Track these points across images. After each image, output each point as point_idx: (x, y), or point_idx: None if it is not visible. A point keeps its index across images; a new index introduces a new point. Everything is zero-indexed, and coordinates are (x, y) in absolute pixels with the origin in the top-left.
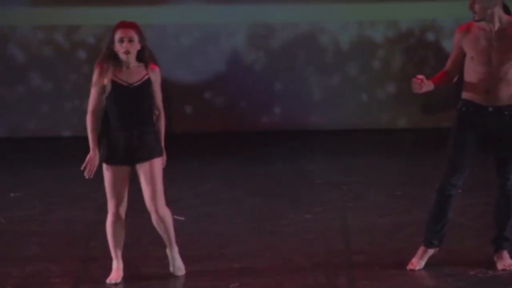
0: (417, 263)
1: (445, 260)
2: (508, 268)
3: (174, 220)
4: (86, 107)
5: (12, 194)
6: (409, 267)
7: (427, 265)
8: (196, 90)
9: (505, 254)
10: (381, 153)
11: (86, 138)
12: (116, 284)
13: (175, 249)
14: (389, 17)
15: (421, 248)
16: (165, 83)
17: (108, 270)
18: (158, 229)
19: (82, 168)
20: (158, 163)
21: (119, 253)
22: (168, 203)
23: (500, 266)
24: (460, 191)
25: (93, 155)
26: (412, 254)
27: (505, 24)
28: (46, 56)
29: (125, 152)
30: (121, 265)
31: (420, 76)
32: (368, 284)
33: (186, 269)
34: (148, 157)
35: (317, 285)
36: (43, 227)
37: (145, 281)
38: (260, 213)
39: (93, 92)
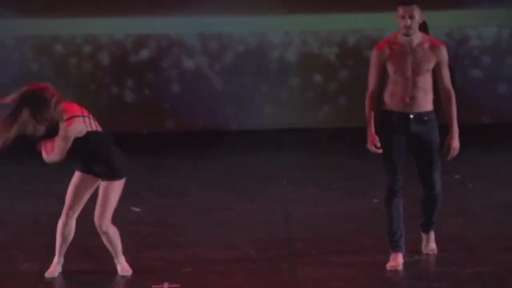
0: (395, 265)
1: (378, 246)
2: (432, 253)
3: (131, 211)
4: None
5: None
6: (389, 268)
7: (365, 253)
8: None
9: (432, 236)
10: (319, 150)
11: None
12: (53, 278)
13: (121, 258)
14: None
15: (392, 254)
16: None
17: (70, 256)
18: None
19: None
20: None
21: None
22: (126, 196)
23: (425, 250)
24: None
25: None
26: (346, 241)
27: (421, 39)
28: None
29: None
30: (62, 261)
31: (374, 148)
32: (306, 267)
33: (141, 255)
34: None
35: (261, 269)
36: (11, 218)
37: (105, 273)
38: (209, 205)
39: None
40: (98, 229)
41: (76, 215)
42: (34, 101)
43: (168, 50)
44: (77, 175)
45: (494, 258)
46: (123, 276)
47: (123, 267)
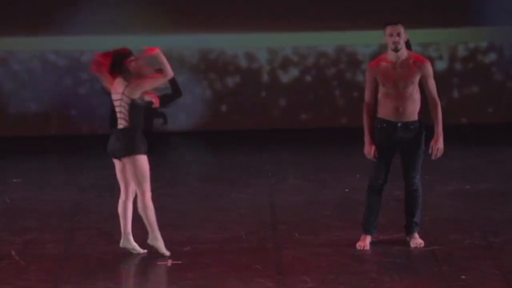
0: (364, 244)
1: (349, 229)
2: (419, 246)
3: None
4: None
5: (14, 180)
6: (358, 247)
7: (338, 235)
8: None
9: (416, 235)
10: (300, 148)
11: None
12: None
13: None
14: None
15: (363, 236)
16: None
17: (91, 238)
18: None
19: None
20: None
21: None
22: None
23: (412, 244)
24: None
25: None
26: (322, 224)
27: (406, 56)
28: None
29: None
30: (127, 236)
31: (372, 156)
32: (289, 247)
33: (148, 236)
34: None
35: (250, 248)
36: (38, 205)
37: (117, 244)
38: (206, 194)
39: None
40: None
41: (131, 197)
42: None
43: None
44: (117, 163)
45: (446, 238)
46: (138, 253)
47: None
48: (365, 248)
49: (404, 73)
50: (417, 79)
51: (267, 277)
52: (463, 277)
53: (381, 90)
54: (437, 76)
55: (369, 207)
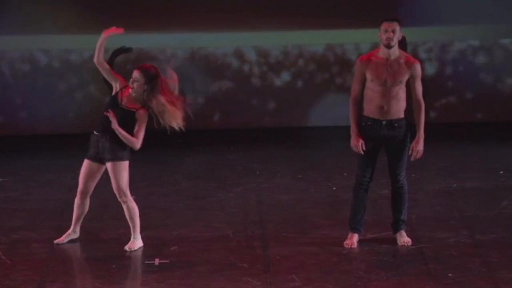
0: (351, 243)
1: (337, 227)
2: (406, 244)
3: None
4: None
5: (0, 180)
6: (345, 246)
7: (325, 233)
8: None
9: (403, 233)
10: (287, 147)
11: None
12: (61, 243)
13: (135, 235)
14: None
15: (350, 234)
16: None
17: (78, 238)
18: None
19: None
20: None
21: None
22: None
23: (400, 242)
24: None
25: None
26: (309, 222)
27: (398, 55)
28: None
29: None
30: (74, 233)
31: (360, 149)
32: (276, 245)
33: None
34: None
35: (238, 247)
36: (24, 204)
37: (104, 243)
38: (193, 192)
39: None
40: (120, 200)
41: (88, 195)
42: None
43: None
44: (86, 162)
45: (433, 236)
46: (125, 251)
47: (130, 243)
48: (352, 247)
49: (394, 72)
50: (405, 78)
51: (255, 275)
52: (450, 275)
53: (368, 86)
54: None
55: (355, 205)
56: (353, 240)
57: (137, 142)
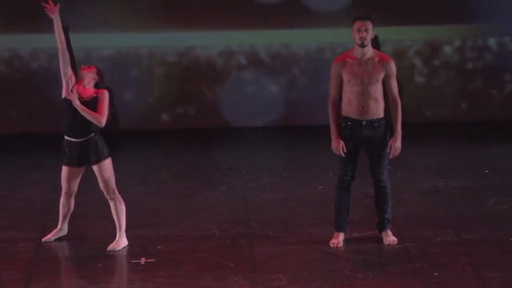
0: (337, 242)
1: (323, 226)
2: (392, 243)
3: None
4: None
5: None
6: (331, 245)
7: (311, 232)
8: None
9: (389, 232)
10: (273, 146)
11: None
12: (48, 241)
13: (120, 233)
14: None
15: (335, 233)
16: None
17: (63, 236)
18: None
19: None
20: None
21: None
22: None
23: (386, 241)
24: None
25: None
26: (295, 221)
27: (372, 54)
28: None
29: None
30: (61, 231)
31: (341, 151)
32: (262, 244)
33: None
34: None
35: (224, 246)
36: (10, 203)
37: (90, 242)
38: (180, 192)
39: None
40: (108, 197)
41: (73, 195)
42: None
43: None
44: (64, 168)
45: (419, 235)
46: (109, 251)
47: (114, 243)
48: (338, 246)
49: (369, 71)
50: (381, 77)
51: (241, 274)
52: (436, 274)
53: (345, 87)
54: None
55: (338, 204)
56: (339, 239)
57: (102, 118)
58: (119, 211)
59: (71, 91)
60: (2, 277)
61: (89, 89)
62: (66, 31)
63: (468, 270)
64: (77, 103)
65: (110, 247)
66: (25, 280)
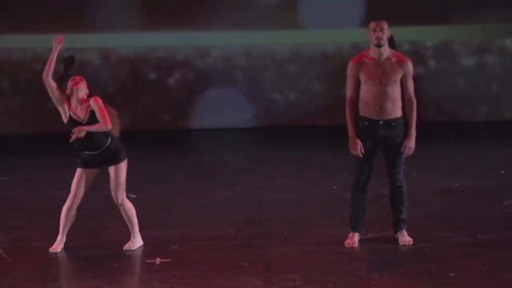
0: (352, 242)
1: (337, 226)
2: (407, 244)
3: (128, 198)
4: None
5: (1, 178)
6: (346, 245)
7: (325, 232)
8: None
9: (404, 232)
10: (288, 146)
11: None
12: (55, 253)
13: (134, 234)
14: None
15: (351, 233)
16: None
17: (78, 237)
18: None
19: None
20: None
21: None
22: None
23: (401, 242)
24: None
25: None
26: (310, 222)
27: (389, 54)
28: None
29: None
30: (64, 239)
31: (359, 152)
32: (276, 244)
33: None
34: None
35: (238, 246)
36: (26, 203)
37: (104, 249)
38: (193, 192)
39: None
40: (116, 203)
41: (79, 203)
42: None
43: None
44: (79, 171)
45: (434, 235)
46: (125, 250)
47: (130, 242)
48: (353, 246)
49: (387, 71)
50: (399, 77)
51: (255, 274)
52: (451, 274)
53: (363, 87)
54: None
55: (354, 204)
56: (354, 239)
57: (106, 123)
58: (129, 214)
59: (75, 132)
60: (18, 276)
61: (84, 106)
62: (71, 62)
63: (483, 271)
64: (83, 134)
65: (126, 246)
66: (40, 280)
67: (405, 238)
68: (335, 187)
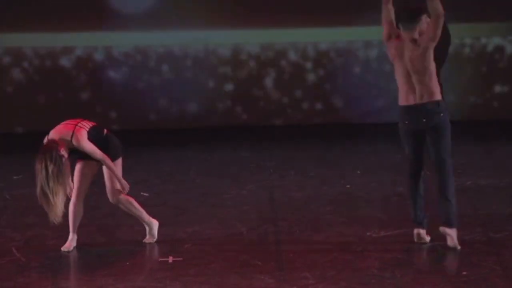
0: (422, 238)
1: (350, 225)
2: (457, 247)
3: (141, 196)
4: None
5: (15, 177)
6: (417, 241)
7: (338, 231)
8: None
9: (454, 234)
10: (300, 144)
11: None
12: (68, 252)
13: (148, 222)
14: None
15: (415, 229)
16: None
17: (91, 234)
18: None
19: None
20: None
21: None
22: (136, 182)
23: (450, 244)
24: (428, 173)
25: None
26: (323, 220)
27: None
28: None
29: None
30: (75, 237)
31: None
32: (289, 242)
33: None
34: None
35: (251, 244)
36: (38, 202)
37: (117, 240)
38: (207, 190)
39: None
40: (112, 202)
41: (83, 196)
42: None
43: None
44: (80, 163)
45: None
46: (143, 244)
47: (148, 236)
48: (422, 242)
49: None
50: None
51: (268, 273)
52: (464, 273)
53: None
54: None
55: (409, 196)
56: (420, 235)
57: (105, 158)
58: (131, 208)
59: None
60: (31, 275)
61: (66, 146)
62: None
63: (496, 270)
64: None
65: (146, 239)
66: (53, 278)
67: (454, 242)
68: (348, 186)
